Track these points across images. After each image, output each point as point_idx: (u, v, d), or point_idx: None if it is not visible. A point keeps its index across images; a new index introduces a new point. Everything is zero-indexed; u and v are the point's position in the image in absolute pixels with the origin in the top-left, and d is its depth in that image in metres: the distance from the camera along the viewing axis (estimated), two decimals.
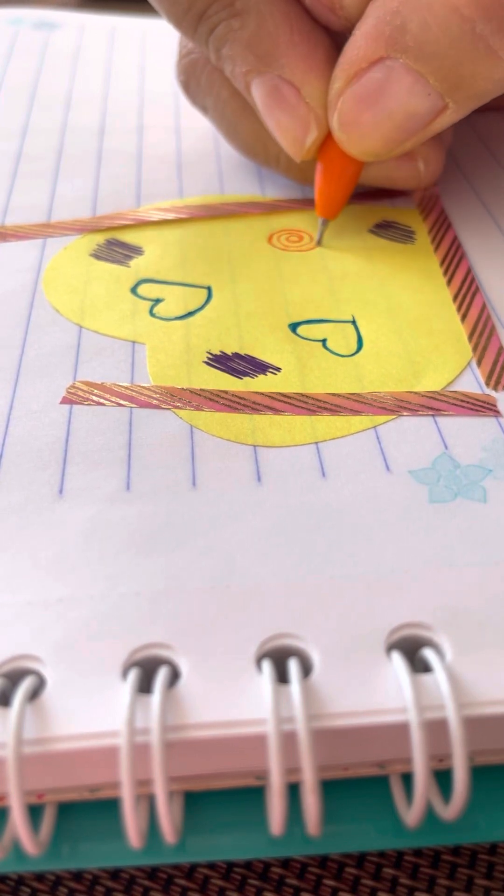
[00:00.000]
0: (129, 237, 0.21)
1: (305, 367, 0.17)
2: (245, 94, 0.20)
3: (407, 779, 0.13)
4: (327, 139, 0.20)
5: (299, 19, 0.19)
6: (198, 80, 0.22)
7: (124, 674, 0.12)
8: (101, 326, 0.19)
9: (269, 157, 0.22)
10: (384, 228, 0.22)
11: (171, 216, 0.22)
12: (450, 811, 0.12)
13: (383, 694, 0.12)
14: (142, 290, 0.20)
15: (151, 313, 0.19)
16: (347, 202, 0.21)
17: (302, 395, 0.17)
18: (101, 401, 0.17)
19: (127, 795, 0.11)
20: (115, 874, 0.14)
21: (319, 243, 0.21)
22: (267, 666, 0.12)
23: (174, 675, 0.12)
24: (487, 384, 0.17)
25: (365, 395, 0.17)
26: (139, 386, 0.17)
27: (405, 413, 0.16)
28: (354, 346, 0.18)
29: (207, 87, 0.22)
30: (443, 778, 0.12)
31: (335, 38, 0.19)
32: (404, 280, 0.20)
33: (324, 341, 0.18)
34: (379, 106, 0.18)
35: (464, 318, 0.19)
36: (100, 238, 0.21)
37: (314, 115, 0.19)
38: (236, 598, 0.13)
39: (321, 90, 0.19)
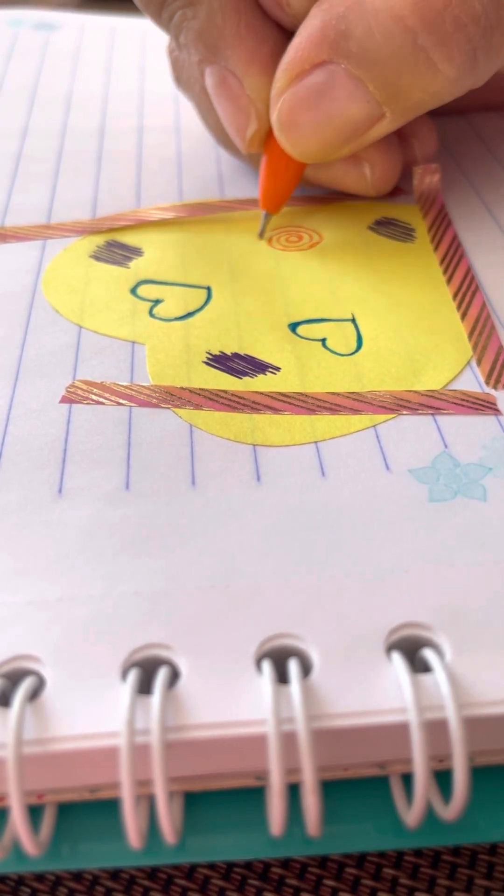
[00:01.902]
0: (128, 238, 0.21)
1: (305, 366, 0.17)
2: (201, 83, 0.20)
3: (407, 779, 0.13)
4: (270, 134, 0.20)
5: (249, 13, 0.19)
6: (181, 74, 0.23)
7: (124, 674, 0.12)
8: (101, 327, 0.19)
9: (233, 147, 0.22)
10: (384, 225, 0.22)
11: (170, 215, 0.22)
12: (450, 811, 0.12)
13: (383, 694, 0.12)
14: (141, 290, 0.20)
15: (151, 314, 0.19)
16: (347, 200, 0.21)
17: (301, 394, 0.17)
18: (101, 400, 0.17)
19: (127, 796, 0.11)
20: (115, 874, 0.14)
21: (261, 236, 0.21)
22: (267, 666, 0.12)
23: (174, 676, 0.12)
24: (487, 383, 0.17)
25: (364, 394, 0.17)
26: (139, 385, 0.17)
27: (405, 412, 0.16)
28: (354, 346, 0.18)
29: (187, 80, 0.22)
30: (443, 778, 0.12)
31: (285, 35, 0.19)
32: (404, 279, 0.20)
33: (323, 340, 0.18)
34: (318, 109, 0.18)
35: (463, 316, 0.19)
36: (99, 240, 0.21)
37: (255, 108, 0.19)
38: (236, 598, 0.13)
39: (263, 84, 0.19)
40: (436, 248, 0.21)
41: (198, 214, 0.22)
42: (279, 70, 0.18)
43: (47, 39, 0.32)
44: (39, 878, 0.14)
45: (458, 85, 0.18)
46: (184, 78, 0.22)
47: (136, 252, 0.21)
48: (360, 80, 0.17)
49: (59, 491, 0.15)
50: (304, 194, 0.23)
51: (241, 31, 0.19)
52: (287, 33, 0.19)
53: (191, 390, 0.17)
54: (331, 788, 0.12)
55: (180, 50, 0.20)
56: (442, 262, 0.20)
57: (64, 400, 0.17)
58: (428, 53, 0.17)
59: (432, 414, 0.16)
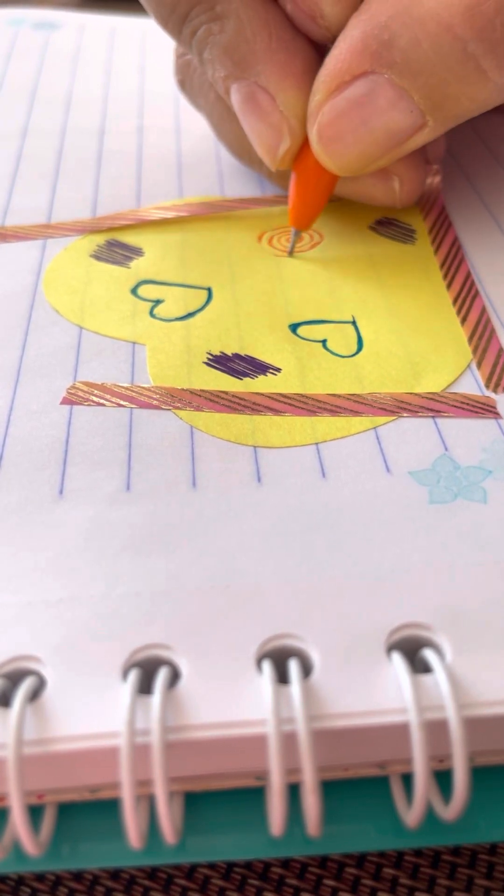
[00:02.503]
0: (129, 238, 0.21)
1: (305, 367, 0.17)
2: (225, 98, 0.20)
3: (407, 779, 0.13)
4: (302, 150, 0.19)
5: (279, 27, 0.19)
6: (191, 80, 0.22)
7: (124, 674, 0.12)
8: (102, 327, 0.19)
9: (253, 161, 0.22)
10: (384, 226, 0.22)
11: (171, 215, 0.22)
12: (450, 811, 0.12)
13: (383, 694, 0.12)
14: (142, 291, 0.20)
15: (152, 314, 0.19)
16: (344, 199, 0.21)
17: (302, 395, 0.17)
18: (102, 401, 0.17)
19: (127, 796, 0.11)
20: (115, 874, 0.14)
21: (291, 254, 0.21)
22: (267, 666, 0.12)
23: (174, 676, 0.12)
24: (487, 386, 0.17)
25: (365, 395, 0.17)
26: (139, 386, 0.17)
27: (405, 414, 0.16)
28: (354, 347, 0.18)
29: (199, 87, 0.22)
30: (443, 778, 0.12)
31: (316, 48, 0.19)
32: (405, 281, 0.20)
33: (324, 342, 0.18)
34: (360, 120, 0.18)
35: (464, 319, 0.19)
36: (100, 239, 0.21)
37: (288, 124, 0.19)
38: (236, 599, 0.13)
39: (297, 99, 0.19)
40: (436, 250, 0.21)
41: (198, 214, 0.22)
42: (317, 82, 0.18)
43: (47, 39, 0.32)
44: (40, 877, 0.14)
45: None
46: (194, 86, 0.22)
47: (137, 252, 0.21)
48: (404, 90, 0.17)
49: (60, 492, 0.15)
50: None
51: (273, 45, 0.18)
52: (317, 47, 0.19)
53: (191, 392, 0.17)
54: (331, 788, 0.12)
55: (203, 65, 0.20)
56: (442, 264, 0.20)
57: (65, 401, 0.17)
58: (478, 61, 0.17)
59: (432, 416, 0.16)
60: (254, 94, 0.19)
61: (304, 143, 0.19)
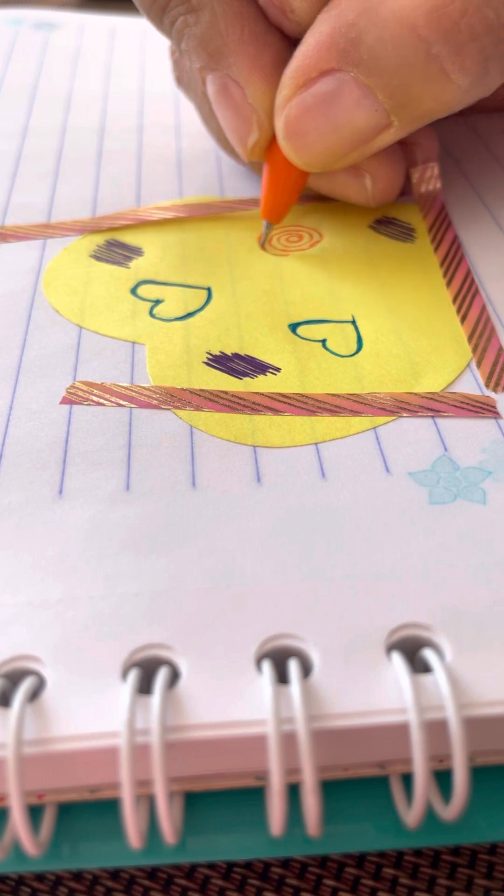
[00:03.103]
0: (129, 238, 0.21)
1: (305, 367, 0.17)
2: (202, 87, 0.20)
3: (407, 779, 0.13)
4: (273, 143, 0.20)
5: (252, 20, 0.19)
6: (182, 74, 0.22)
7: (124, 674, 0.12)
8: (101, 327, 0.19)
9: (234, 153, 0.22)
10: (384, 225, 0.22)
11: (171, 215, 0.22)
12: (450, 811, 0.12)
13: (383, 694, 0.12)
14: (142, 290, 0.20)
15: (151, 314, 0.19)
16: (341, 198, 0.21)
17: (302, 395, 0.17)
18: (101, 401, 0.17)
19: (127, 796, 0.11)
20: (115, 874, 0.14)
21: (263, 246, 0.21)
22: (267, 666, 0.12)
23: (174, 676, 0.12)
24: (487, 386, 0.17)
25: (365, 395, 0.17)
26: (139, 386, 0.17)
27: (405, 414, 0.16)
28: (354, 347, 0.18)
29: (188, 81, 0.22)
30: (443, 778, 0.12)
31: (289, 43, 0.19)
32: (404, 280, 0.20)
33: (324, 341, 0.18)
34: (325, 117, 0.18)
35: (463, 319, 0.19)
36: (100, 239, 0.21)
37: (256, 116, 0.19)
38: (236, 599, 0.13)
39: (265, 92, 0.19)
40: (436, 249, 0.21)
41: (198, 214, 0.22)
42: (285, 77, 0.18)
43: (47, 39, 0.32)
44: (40, 877, 0.14)
45: (469, 94, 0.18)
46: (185, 81, 0.22)
47: (137, 252, 0.21)
48: (369, 89, 0.17)
49: (60, 492, 0.15)
50: (304, 195, 0.23)
51: (244, 37, 0.19)
52: (290, 41, 0.19)
53: (191, 391, 0.17)
54: (331, 788, 0.12)
55: (182, 56, 0.20)
56: (442, 263, 0.20)
57: (64, 401, 0.17)
58: (441, 63, 0.17)
59: (432, 416, 0.16)
60: (226, 86, 0.19)
61: (275, 137, 0.19)
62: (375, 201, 0.21)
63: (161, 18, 0.20)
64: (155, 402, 0.17)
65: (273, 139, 0.20)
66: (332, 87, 0.18)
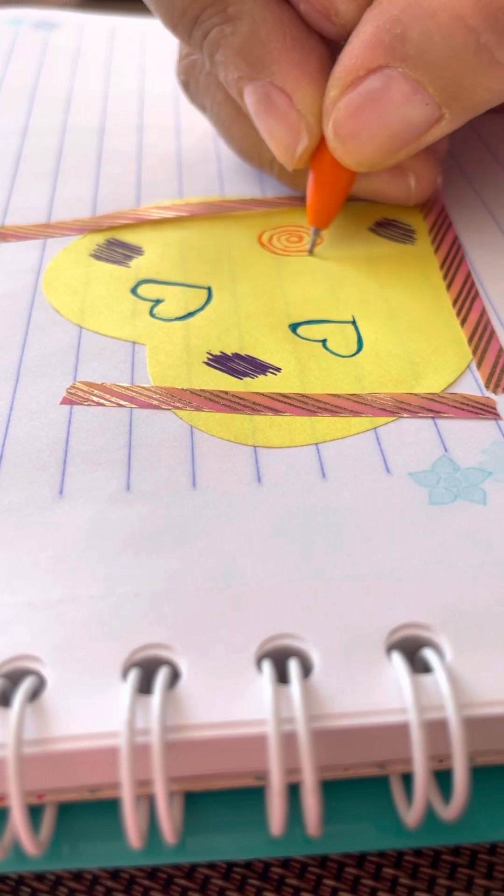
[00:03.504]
0: (129, 237, 0.21)
1: (305, 367, 0.17)
2: (238, 100, 0.20)
3: (407, 779, 0.13)
4: (319, 148, 0.19)
5: (293, 26, 0.19)
6: (196, 81, 0.22)
7: (124, 674, 0.12)
8: (102, 327, 0.19)
9: (263, 163, 0.22)
10: (384, 227, 0.22)
11: (171, 214, 0.22)
12: (450, 811, 0.12)
13: (383, 694, 0.12)
14: (142, 290, 0.20)
15: (151, 314, 0.19)
16: (348, 200, 0.21)
17: (302, 395, 0.17)
18: (102, 401, 0.17)
19: (127, 796, 0.11)
20: (115, 874, 0.14)
21: (311, 252, 0.21)
22: (267, 666, 0.12)
23: (174, 676, 0.12)
24: (487, 387, 0.17)
25: (365, 396, 0.17)
26: (139, 386, 0.17)
27: (405, 415, 0.16)
28: (354, 347, 0.18)
29: (205, 88, 0.22)
30: (443, 778, 0.12)
31: (329, 46, 0.19)
32: (405, 281, 0.20)
33: (324, 342, 0.18)
34: (376, 115, 0.18)
35: (464, 320, 0.19)
36: (100, 238, 0.21)
37: (305, 122, 0.19)
38: (236, 599, 0.13)
39: (313, 98, 0.19)
40: (436, 251, 0.21)
41: (198, 214, 0.22)
42: (332, 78, 0.18)
43: (47, 39, 0.32)
44: (39, 877, 0.14)
45: None
46: (200, 88, 0.22)
47: (137, 251, 0.21)
48: (419, 83, 0.17)
49: (60, 492, 0.15)
50: (304, 196, 0.23)
51: (287, 44, 0.18)
52: (331, 45, 0.19)
53: (191, 391, 0.17)
54: (331, 788, 0.12)
55: (214, 67, 0.20)
56: (442, 265, 0.20)
57: (65, 401, 0.17)
58: (492, 52, 0.16)
59: (432, 417, 0.16)
60: (269, 95, 0.19)
61: (321, 142, 0.19)
62: (416, 198, 0.21)
63: (191, 31, 0.19)
64: (155, 402, 0.17)
65: (319, 144, 0.19)
66: (381, 84, 0.17)
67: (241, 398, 0.17)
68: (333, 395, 0.17)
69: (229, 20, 0.19)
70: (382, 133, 0.18)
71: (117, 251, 0.21)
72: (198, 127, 0.25)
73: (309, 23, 0.19)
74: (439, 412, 0.16)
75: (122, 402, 0.17)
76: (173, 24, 0.20)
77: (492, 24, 0.16)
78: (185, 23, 0.19)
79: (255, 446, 0.16)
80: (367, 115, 0.18)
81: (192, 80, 0.22)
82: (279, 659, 0.12)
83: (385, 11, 0.17)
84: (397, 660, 0.12)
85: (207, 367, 0.17)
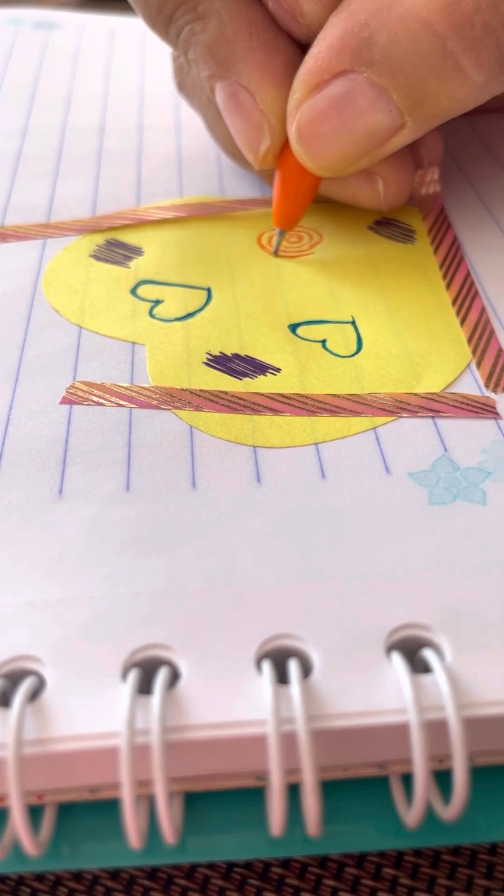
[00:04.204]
0: (128, 238, 0.21)
1: (305, 367, 0.17)
2: (211, 97, 0.20)
3: (407, 779, 0.13)
4: (285, 149, 0.19)
5: (261, 26, 0.19)
6: (185, 81, 0.22)
7: (124, 674, 0.12)
8: (101, 327, 0.19)
9: (242, 161, 0.22)
10: (384, 226, 0.22)
11: (170, 215, 0.22)
12: (450, 812, 0.12)
13: (383, 694, 0.12)
14: (141, 291, 0.20)
15: (151, 314, 0.19)
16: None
17: (302, 395, 0.17)
18: (101, 401, 0.17)
19: (127, 796, 0.11)
20: (115, 874, 0.14)
21: (276, 253, 0.21)
22: (267, 666, 0.12)
23: (174, 676, 0.12)
24: (487, 386, 0.17)
25: (364, 396, 0.17)
26: (139, 386, 0.17)
27: (405, 414, 0.16)
28: (354, 347, 0.18)
29: (192, 88, 0.22)
30: (443, 778, 0.12)
31: (298, 48, 0.19)
32: (404, 281, 0.20)
33: (323, 342, 0.18)
34: (339, 120, 0.18)
35: (463, 320, 0.19)
36: (100, 238, 0.21)
37: (268, 123, 0.19)
38: (236, 599, 0.13)
39: (276, 98, 0.19)
40: (436, 251, 0.21)
41: (198, 214, 0.22)
42: (297, 80, 0.18)
43: (47, 39, 0.32)
44: (39, 878, 0.14)
45: (484, 91, 0.17)
46: (189, 88, 0.22)
47: (137, 251, 0.21)
48: (383, 89, 0.17)
49: (60, 492, 0.15)
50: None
51: (254, 44, 0.18)
52: (299, 45, 0.19)
53: (191, 392, 0.17)
54: (331, 788, 0.12)
55: (189, 65, 0.20)
56: (442, 264, 0.20)
57: (64, 401, 0.17)
58: (457, 59, 0.17)
59: (432, 417, 0.16)
60: (235, 93, 0.19)
61: (286, 143, 0.19)
62: (387, 205, 0.21)
63: (167, 28, 0.19)
64: (155, 402, 0.17)
65: (285, 145, 0.19)
66: (345, 88, 0.17)
67: (240, 398, 0.17)
68: (333, 396, 0.17)
69: (199, 18, 0.19)
70: (345, 138, 0.18)
71: (117, 252, 0.21)
72: (197, 127, 0.25)
73: (278, 22, 0.19)
74: (439, 412, 0.16)
75: (121, 402, 0.17)
76: (151, 22, 0.20)
77: (458, 32, 0.16)
78: (161, 20, 0.19)
79: (254, 446, 0.16)
80: (330, 119, 0.18)
81: (182, 81, 0.23)
82: (279, 659, 0.12)
83: (353, 15, 0.17)
84: (397, 660, 0.12)
85: (207, 368, 0.17)
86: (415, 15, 0.16)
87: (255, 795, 0.13)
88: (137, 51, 0.31)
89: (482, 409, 0.16)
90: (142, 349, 0.18)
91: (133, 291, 0.20)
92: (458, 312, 0.19)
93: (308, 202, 0.20)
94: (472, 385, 0.17)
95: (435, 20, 0.16)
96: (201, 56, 0.19)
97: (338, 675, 0.12)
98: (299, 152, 0.19)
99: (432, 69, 0.17)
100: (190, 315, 0.19)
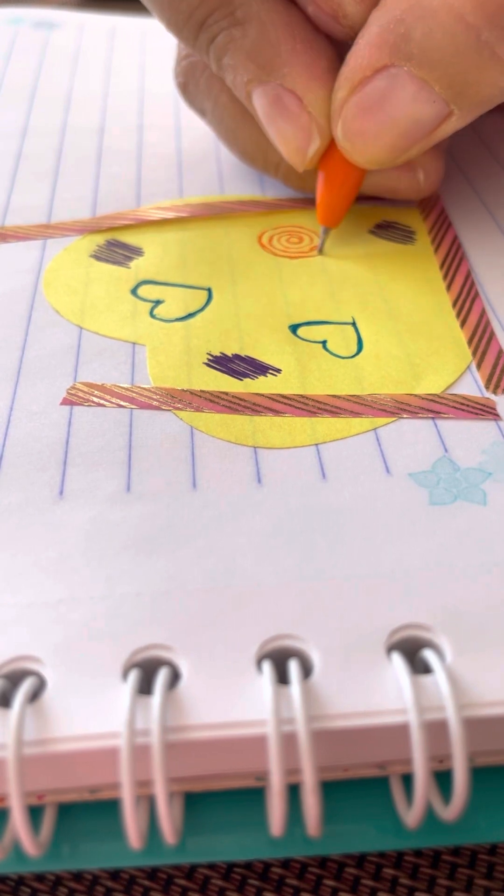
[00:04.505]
0: (129, 238, 0.21)
1: (305, 368, 0.17)
2: (246, 104, 0.20)
3: (407, 779, 0.13)
4: (329, 148, 0.20)
5: (301, 28, 0.19)
6: (196, 83, 0.22)
7: (124, 675, 0.12)
8: (102, 328, 0.19)
9: (269, 165, 0.22)
10: (384, 229, 0.22)
11: (171, 215, 0.22)
12: (450, 812, 0.12)
13: (383, 695, 0.12)
14: (142, 291, 0.20)
15: (152, 315, 0.19)
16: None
17: (302, 396, 0.17)
18: (102, 402, 0.17)
19: (127, 796, 0.11)
20: (115, 874, 0.14)
21: (321, 251, 0.21)
22: (267, 667, 0.12)
23: (174, 677, 0.12)
24: (487, 387, 0.17)
25: (365, 396, 0.17)
26: (139, 387, 0.17)
27: (405, 415, 0.16)
28: (354, 348, 0.18)
29: (206, 91, 0.22)
30: (443, 778, 0.12)
31: (337, 47, 0.19)
32: (404, 282, 0.20)
33: (324, 343, 0.18)
34: (383, 114, 0.18)
35: (463, 321, 0.19)
36: (100, 239, 0.21)
37: (317, 124, 0.19)
38: (237, 599, 0.13)
39: (324, 99, 0.19)
40: (436, 251, 0.21)
41: (198, 215, 0.22)
42: (340, 79, 0.18)
43: (47, 38, 0.32)
44: (39, 878, 0.14)
45: None
46: (200, 91, 0.22)
47: (137, 252, 0.21)
48: (424, 81, 0.17)
49: (60, 493, 0.15)
50: (305, 197, 0.23)
51: (297, 46, 0.18)
52: (339, 46, 0.19)
53: (192, 392, 0.17)
54: (331, 789, 0.12)
55: (221, 71, 0.20)
56: (442, 265, 0.20)
57: (65, 402, 0.17)
58: (493, 48, 0.17)
59: (432, 418, 0.16)
60: (280, 97, 0.19)
61: (331, 142, 0.19)
62: (426, 192, 0.21)
63: (197, 35, 0.19)
64: (155, 403, 0.17)
65: (329, 145, 0.19)
66: (388, 83, 0.17)
67: (241, 399, 0.17)
68: (333, 396, 0.17)
69: (238, 24, 0.19)
70: (391, 131, 0.18)
71: (117, 252, 0.21)
72: (198, 127, 0.25)
73: (317, 24, 0.19)
74: (439, 413, 0.16)
75: (122, 403, 0.17)
76: (178, 28, 0.20)
77: (491, 22, 0.16)
78: (190, 27, 0.19)
79: (255, 447, 0.16)
80: (375, 114, 0.18)
81: (192, 83, 0.22)
82: (279, 659, 0.12)
83: (389, 11, 0.17)
84: (397, 660, 0.12)
85: (207, 368, 0.17)
86: (447, 7, 0.16)
87: (255, 796, 0.13)
88: (137, 51, 0.31)
89: (482, 410, 0.16)
90: (142, 350, 0.18)
91: (133, 292, 0.20)
92: (458, 314, 0.19)
93: (352, 198, 0.20)
94: (472, 386, 0.17)
95: (467, 11, 0.16)
96: (241, 61, 0.19)
97: (338, 676, 0.12)
98: (346, 149, 0.19)
99: (470, 60, 0.17)
100: (190, 315, 0.19)
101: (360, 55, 0.18)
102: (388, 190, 0.21)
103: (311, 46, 0.19)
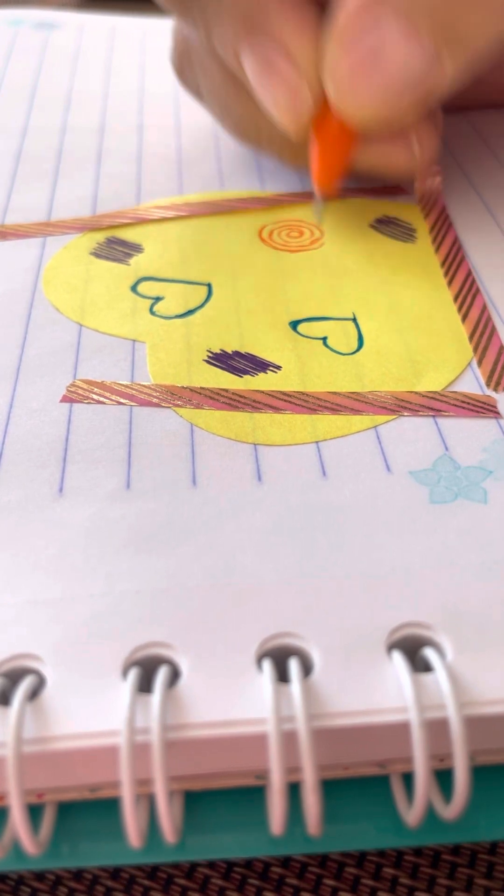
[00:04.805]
0: (129, 235, 0.21)
1: (306, 365, 0.17)
2: (237, 71, 0.20)
3: (407, 778, 0.13)
4: (321, 110, 0.19)
5: None
6: (191, 64, 0.22)
7: (124, 673, 0.12)
8: (102, 325, 0.19)
9: (262, 139, 0.22)
10: (385, 224, 0.22)
11: (171, 214, 0.22)
12: (450, 811, 0.12)
13: (384, 693, 0.12)
14: (142, 288, 0.20)
15: (151, 311, 0.19)
16: (348, 196, 0.21)
17: (302, 393, 0.17)
18: (102, 399, 0.17)
19: (127, 795, 0.11)
20: (115, 874, 0.14)
21: (319, 221, 0.21)
22: (267, 665, 0.12)
23: (174, 675, 0.12)
24: (488, 385, 0.17)
25: (365, 394, 0.17)
26: (139, 384, 0.17)
27: (406, 413, 0.16)
28: (355, 345, 0.18)
29: (200, 70, 0.22)
30: (443, 777, 0.12)
31: (322, 4, 0.19)
32: (405, 279, 0.20)
33: (324, 339, 0.18)
34: (375, 67, 0.18)
35: (464, 318, 0.19)
36: (100, 236, 0.21)
37: (307, 80, 0.19)
38: (237, 597, 0.13)
39: (313, 56, 0.18)
40: (437, 249, 0.21)
41: (199, 213, 0.22)
42: (328, 35, 0.18)
43: (47, 39, 0.32)
44: (39, 877, 0.14)
45: None
46: (195, 71, 0.22)
47: (137, 248, 0.21)
48: (413, 30, 0.17)
49: (60, 490, 0.15)
50: (305, 191, 0.23)
51: (284, 5, 0.18)
52: (325, 5, 0.19)
53: (191, 389, 0.17)
54: (331, 787, 0.12)
55: (210, 37, 0.19)
56: (443, 263, 0.20)
57: (65, 399, 0.17)
58: None
59: (433, 416, 0.16)
60: (268, 57, 0.19)
61: (323, 105, 0.19)
62: (421, 164, 0.20)
63: (187, 2, 0.19)
64: (155, 400, 0.17)
65: (322, 107, 0.19)
66: (376, 35, 0.17)
67: (241, 396, 0.17)
68: (334, 394, 0.17)
69: None
70: (384, 84, 0.18)
71: (117, 249, 0.21)
72: (198, 125, 0.25)
73: None
74: (440, 410, 0.16)
75: (122, 400, 0.17)
76: (171, 1, 0.19)
77: None
78: None
79: (255, 444, 0.16)
80: (365, 68, 0.18)
81: (187, 64, 0.22)
82: (279, 658, 0.12)
83: None
84: (398, 659, 0.12)
85: (207, 365, 0.17)
86: None
87: (255, 794, 0.13)
88: (137, 51, 0.31)
89: (483, 408, 0.16)
90: (142, 347, 0.18)
91: (133, 288, 0.20)
92: (459, 310, 0.19)
93: (347, 162, 0.20)
94: (473, 384, 0.17)
95: None
96: (228, 22, 0.19)
97: (338, 674, 0.12)
98: (344, 107, 0.18)
99: (456, 3, 0.17)
100: (190, 312, 0.19)
101: (347, 10, 0.18)
102: (384, 164, 0.20)
103: (298, 4, 0.18)
